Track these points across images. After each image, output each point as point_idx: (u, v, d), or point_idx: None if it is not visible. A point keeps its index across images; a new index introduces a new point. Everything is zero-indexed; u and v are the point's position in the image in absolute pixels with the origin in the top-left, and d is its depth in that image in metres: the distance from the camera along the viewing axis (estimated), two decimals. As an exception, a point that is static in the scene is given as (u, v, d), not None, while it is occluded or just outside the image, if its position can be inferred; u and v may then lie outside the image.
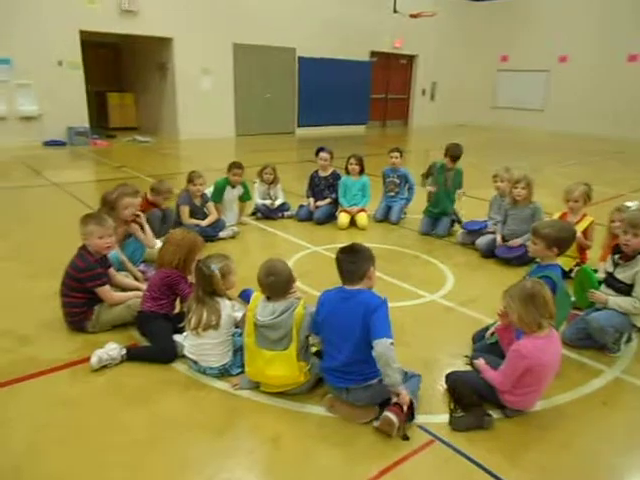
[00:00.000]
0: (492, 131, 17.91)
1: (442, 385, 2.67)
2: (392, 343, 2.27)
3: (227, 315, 2.74)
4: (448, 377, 2.61)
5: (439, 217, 5.46)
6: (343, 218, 5.68)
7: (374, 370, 2.33)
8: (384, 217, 5.94)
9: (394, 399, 2.32)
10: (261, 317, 2.52)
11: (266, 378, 2.56)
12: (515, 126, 18.55)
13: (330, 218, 5.83)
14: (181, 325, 2.99)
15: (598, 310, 3.14)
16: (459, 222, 5.48)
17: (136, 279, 3.69)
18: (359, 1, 15.66)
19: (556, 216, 4.45)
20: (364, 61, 16.79)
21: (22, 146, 10.61)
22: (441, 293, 3.99)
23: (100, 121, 14.08)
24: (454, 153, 5.34)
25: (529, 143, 15.05)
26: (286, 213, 5.96)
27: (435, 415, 2.49)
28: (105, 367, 2.79)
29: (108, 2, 11.41)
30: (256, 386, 2.64)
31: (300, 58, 15.04)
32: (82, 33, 11.32)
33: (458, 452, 2.24)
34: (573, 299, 3.25)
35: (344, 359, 2.41)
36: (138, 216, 4.05)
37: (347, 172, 5.85)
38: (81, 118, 11.72)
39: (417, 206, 5.83)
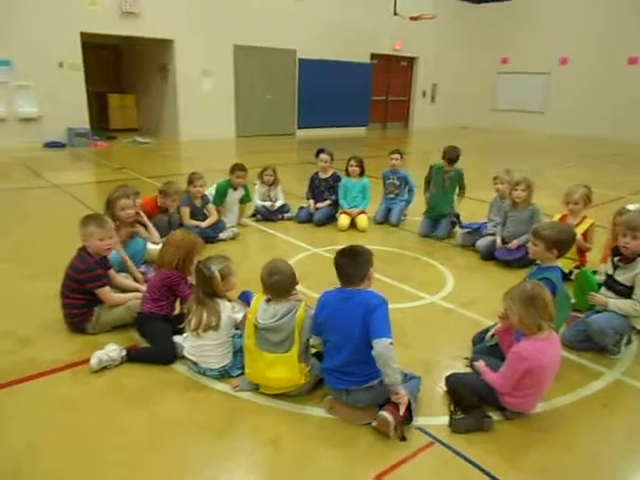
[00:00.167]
0: (492, 133, 17.92)
1: (442, 387, 2.67)
2: (391, 343, 2.27)
3: (227, 316, 2.75)
4: (448, 379, 2.61)
5: (439, 219, 5.47)
6: (343, 220, 5.68)
7: (374, 371, 2.33)
8: (384, 219, 5.95)
9: (392, 398, 2.31)
10: (262, 320, 2.52)
11: (267, 380, 2.56)
12: (515, 128, 18.57)
13: (330, 220, 5.83)
14: (181, 326, 2.99)
15: (598, 312, 3.14)
16: (459, 224, 5.47)
17: (136, 280, 3.69)
18: (360, 3, 15.69)
19: (556, 218, 4.45)
20: (365, 63, 16.82)
21: (22, 147, 10.62)
22: (441, 295, 3.99)
23: (100, 122, 14.10)
24: (451, 155, 5.35)
25: (529, 145, 15.06)
26: (286, 215, 5.96)
27: (435, 417, 2.49)
28: (105, 368, 2.79)
29: (109, 4, 11.44)
30: (256, 388, 2.64)
31: (301, 60, 15.07)
32: (83, 35, 11.35)
33: (458, 454, 2.24)
34: (573, 301, 3.25)
35: (343, 359, 2.41)
36: (138, 214, 4.06)
37: (347, 174, 5.85)
38: (81, 119, 11.74)
39: (417, 208, 5.83)
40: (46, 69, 10.99)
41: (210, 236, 4.91)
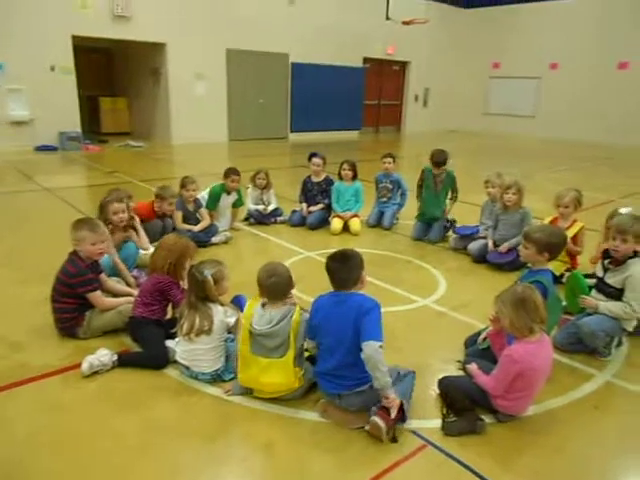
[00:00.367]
0: (484, 137, 18.04)
1: (434, 390, 2.67)
2: (381, 346, 2.27)
3: (219, 321, 2.74)
4: (440, 382, 2.62)
5: (431, 222, 5.48)
6: (336, 223, 5.69)
7: (365, 375, 2.32)
8: (377, 222, 5.96)
9: (383, 402, 2.31)
10: (258, 326, 2.50)
11: (261, 385, 2.54)
12: (506, 132, 18.70)
13: (323, 223, 5.84)
14: (173, 330, 2.98)
15: (589, 315, 3.16)
16: (452, 228, 5.48)
17: (128, 285, 3.67)
18: (352, 8, 15.75)
19: (547, 221, 4.49)
20: (357, 67, 16.88)
21: (13, 151, 10.55)
22: (433, 298, 4.00)
23: (92, 126, 14.03)
24: (438, 159, 5.36)
25: (520, 149, 15.17)
26: (279, 218, 5.96)
27: (427, 420, 2.49)
28: (96, 373, 2.77)
29: (101, 7, 11.41)
30: (248, 392, 2.62)
31: (293, 64, 15.09)
32: (74, 38, 11.30)
33: (450, 457, 2.25)
34: (564, 304, 3.28)
35: (335, 363, 2.41)
36: (132, 218, 4.05)
37: (340, 178, 5.86)
38: (73, 123, 11.68)
39: (410, 211, 5.85)
40: (38, 72, 10.93)
41: (202, 240, 4.90)
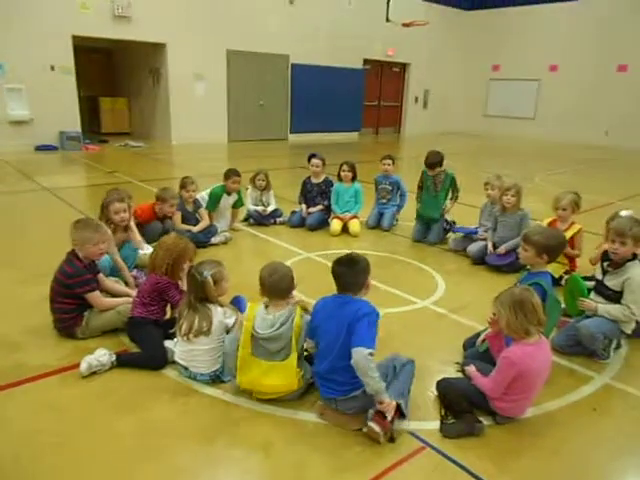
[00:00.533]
0: (483, 139, 18.06)
1: (433, 392, 2.67)
2: (371, 354, 2.24)
3: (218, 321, 2.74)
4: (439, 384, 2.61)
5: (430, 223, 5.48)
6: (335, 225, 5.69)
7: (358, 379, 2.29)
8: (376, 224, 5.96)
9: (378, 407, 2.29)
10: (261, 330, 2.49)
11: (262, 387, 2.53)
12: (506, 134, 18.72)
13: (322, 224, 5.84)
14: (172, 331, 2.97)
15: (588, 317, 3.16)
16: (451, 228, 5.48)
17: (127, 285, 3.67)
18: (352, 9, 15.77)
19: (545, 222, 4.50)
20: (357, 69, 16.89)
21: (13, 151, 10.54)
22: (432, 300, 4.00)
23: (92, 126, 14.04)
24: (432, 160, 5.34)
25: (520, 151, 15.18)
26: (278, 219, 5.96)
27: (426, 422, 2.49)
28: (95, 373, 2.77)
29: (101, 7, 11.42)
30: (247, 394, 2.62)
31: (293, 65, 15.10)
32: (75, 38, 11.30)
33: (449, 459, 2.24)
34: (563, 306, 3.28)
35: (328, 365, 2.41)
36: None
37: (339, 179, 5.87)
38: (73, 123, 11.68)
39: (409, 213, 5.85)
40: (38, 72, 10.93)
41: (202, 241, 4.89)
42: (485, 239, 4.85)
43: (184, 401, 2.60)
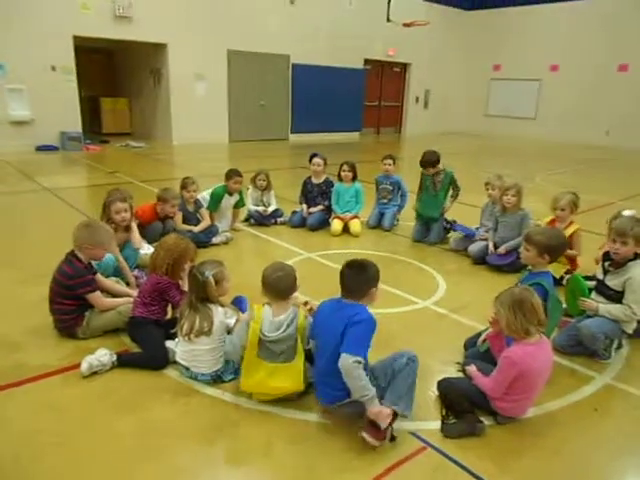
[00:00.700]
0: (484, 139, 18.05)
1: (434, 392, 2.67)
2: (358, 362, 2.20)
3: (219, 322, 2.73)
4: (440, 384, 2.61)
5: (430, 223, 5.48)
6: (336, 225, 5.69)
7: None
8: (377, 224, 5.96)
9: (368, 414, 2.23)
10: (269, 333, 2.48)
11: (268, 389, 2.52)
12: (507, 134, 18.71)
13: (323, 224, 5.84)
14: (173, 331, 2.97)
15: (589, 317, 3.16)
16: (452, 228, 5.48)
17: (129, 285, 3.67)
18: (353, 9, 15.78)
19: (544, 222, 4.49)
20: (358, 69, 16.89)
21: (14, 151, 10.54)
22: (433, 300, 4.00)
23: (93, 126, 14.04)
24: (424, 160, 5.33)
25: (521, 151, 15.17)
26: (279, 219, 5.96)
27: (427, 422, 2.49)
28: (95, 373, 2.77)
29: (102, 8, 11.42)
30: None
31: (294, 65, 15.10)
32: (76, 38, 11.31)
33: (450, 459, 2.24)
34: (564, 306, 3.27)
35: (322, 368, 2.42)
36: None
37: (340, 179, 5.87)
38: (74, 123, 11.68)
39: (410, 213, 5.84)
40: (39, 72, 10.94)
41: (203, 241, 4.90)
42: (486, 239, 4.84)
43: (185, 401, 2.60)
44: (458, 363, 2.95)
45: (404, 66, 18.92)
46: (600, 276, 3.24)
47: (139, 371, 2.82)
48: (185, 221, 5.02)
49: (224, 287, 2.80)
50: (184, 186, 5.08)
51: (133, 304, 3.12)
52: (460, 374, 2.80)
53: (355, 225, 5.67)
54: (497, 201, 4.90)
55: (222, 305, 2.83)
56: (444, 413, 2.51)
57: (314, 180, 5.94)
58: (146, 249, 4.16)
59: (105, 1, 11.42)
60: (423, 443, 2.34)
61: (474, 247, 4.86)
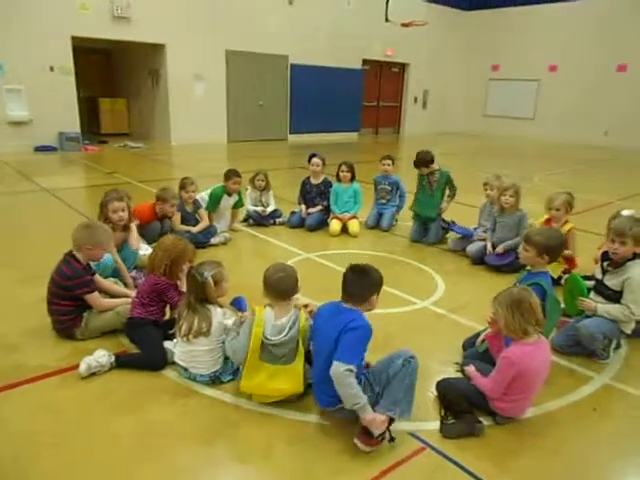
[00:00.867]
0: (483, 139, 18.06)
1: (433, 392, 2.67)
2: (350, 370, 2.18)
3: (218, 322, 2.73)
4: (439, 384, 2.61)
5: (427, 223, 5.47)
6: (335, 225, 5.69)
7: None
8: (375, 224, 5.96)
9: (363, 423, 2.22)
10: (271, 336, 2.47)
11: (268, 391, 2.52)
12: (506, 134, 18.72)
13: (322, 225, 5.84)
14: (172, 332, 2.97)
15: (588, 317, 3.16)
16: (449, 228, 5.48)
17: (126, 285, 3.66)
18: (351, 10, 15.78)
19: (539, 221, 4.50)
20: (356, 69, 16.89)
21: (12, 151, 10.53)
22: (432, 300, 4.00)
23: (91, 127, 14.03)
24: (417, 159, 5.34)
25: (519, 151, 15.18)
26: (278, 220, 5.95)
27: (426, 422, 2.49)
28: (94, 374, 2.76)
29: (101, 8, 11.41)
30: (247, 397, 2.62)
31: (293, 65, 15.10)
32: (74, 39, 11.30)
33: (449, 459, 2.24)
34: (563, 306, 3.28)
35: (317, 372, 2.42)
36: (130, 218, 4.05)
37: (338, 179, 5.86)
38: (72, 123, 11.67)
39: (408, 213, 5.84)
40: (37, 73, 10.93)
41: (201, 241, 4.89)
42: (484, 239, 4.84)
43: (184, 402, 2.60)
44: (457, 363, 2.95)
45: (402, 66, 18.93)
46: (599, 276, 3.24)
47: (137, 372, 2.82)
48: (184, 222, 5.01)
49: (223, 288, 2.80)
50: (183, 186, 5.07)
51: (131, 305, 3.11)
52: (459, 374, 2.79)
53: (354, 225, 5.67)
54: (495, 201, 4.89)
55: (221, 306, 2.83)
56: (443, 413, 2.51)
57: (313, 180, 5.94)
58: (144, 250, 4.15)
59: (103, 1, 11.41)
60: (422, 443, 2.34)
61: (473, 247, 4.86)
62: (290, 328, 2.47)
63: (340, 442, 2.33)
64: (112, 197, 3.88)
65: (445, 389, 2.56)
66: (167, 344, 2.93)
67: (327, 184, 5.92)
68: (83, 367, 2.73)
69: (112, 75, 15.45)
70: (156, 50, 12.84)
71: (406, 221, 5.88)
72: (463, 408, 2.45)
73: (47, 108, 11.11)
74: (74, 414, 2.48)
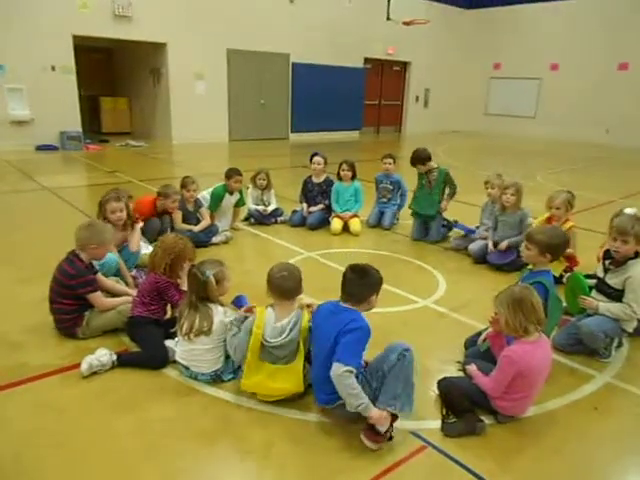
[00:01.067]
0: (484, 138, 18.03)
1: (434, 391, 2.66)
2: (350, 371, 2.18)
3: (219, 321, 2.73)
4: (440, 383, 2.61)
5: (427, 221, 5.46)
6: (336, 224, 5.68)
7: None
8: (377, 223, 5.96)
9: (370, 421, 2.22)
10: (271, 339, 2.47)
11: (268, 390, 2.52)
12: (507, 133, 18.69)
13: (323, 223, 5.83)
14: (173, 330, 2.97)
15: (589, 316, 3.16)
16: (451, 226, 5.48)
17: (127, 284, 3.66)
18: (353, 8, 15.75)
19: (539, 220, 4.49)
20: (358, 67, 16.87)
21: (14, 150, 10.54)
22: (433, 298, 3.99)
23: (93, 126, 14.02)
24: (415, 156, 5.36)
25: (521, 150, 15.15)
26: (279, 218, 5.95)
27: (427, 421, 2.49)
28: (95, 373, 2.77)
29: (102, 7, 11.40)
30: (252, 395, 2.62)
31: (294, 64, 15.08)
32: (75, 38, 11.30)
33: (450, 458, 2.24)
34: (564, 304, 3.27)
35: (315, 371, 2.42)
36: (131, 219, 4.05)
37: (339, 178, 5.86)
38: (74, 122, 11.67)
39: (409, 212, 5.83)
40: (38, 72, 10.93)
41: (203, 240, 4.89)
42: (486, 238, 4.84)
43: (185, 401, 2.60)
44: (458, 362, 2.95)
45: (404, 65, 18.90)
46: (600, 274, 3.24)
47: (139, 371, 2.82)
48: (185, 220, 5.01)
49: (225, 287, 2.80)
50: (184, 185, 5.07)
51: (132, 304, 3.12)
52: (460, 373, 2.80)
53: (355, 224, 5.67)
54: (497, 200, 4.89)
55: (222, 304, 2.83)
56: (444, 412, 2.51)
57: (314, 179, 5.93)
58: (145, 248, 4.15)
59: (104, 0, 11.40)
60: (423, 442, 2.34)
61: (474, 246, 4.85)
62: (290, 330, 2.47)
63: (341, 440, 2.33)
64: (110, 197, 3.88)
65: (446, 388, 2.56)
66: (168, 343, 2.93)
67: (329, 183, 5.91)
68: (84, 366, 2.74)
69: (113, 74, 15.45)
70: (157, 49, 12.83)
71: (407, 220, 5.87)
72: (464, 407, 2.45)
73: (48, 107, 11.12)
74: (75, 413, 2.49)
